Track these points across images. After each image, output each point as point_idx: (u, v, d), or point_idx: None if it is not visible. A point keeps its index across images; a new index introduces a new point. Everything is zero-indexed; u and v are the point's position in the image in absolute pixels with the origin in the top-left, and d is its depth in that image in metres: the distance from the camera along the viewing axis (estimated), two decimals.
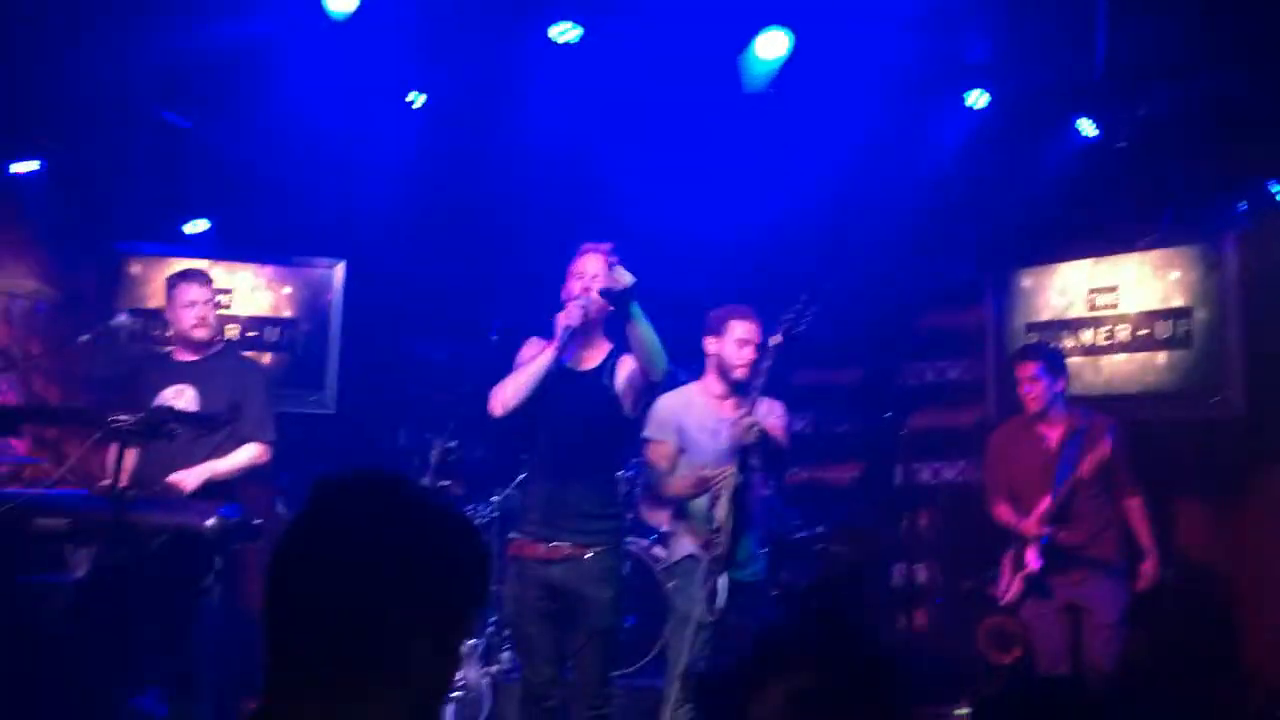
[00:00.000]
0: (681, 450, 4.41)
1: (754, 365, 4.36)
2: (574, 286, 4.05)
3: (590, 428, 4.07)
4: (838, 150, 6.43)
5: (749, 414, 4.16)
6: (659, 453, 4.40)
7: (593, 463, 4.05)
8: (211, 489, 4.51)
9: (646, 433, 4.41)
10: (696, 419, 4.43)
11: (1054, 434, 5.08)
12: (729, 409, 4.37)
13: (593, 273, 4.02)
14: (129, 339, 6.13)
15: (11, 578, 4.23)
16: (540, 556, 4.00)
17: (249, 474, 4.79)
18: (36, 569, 4.45)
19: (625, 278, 3.92)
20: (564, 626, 4.01)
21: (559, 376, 4.04)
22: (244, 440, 4.72)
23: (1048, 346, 5.69)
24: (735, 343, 4.40)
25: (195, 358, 4.87)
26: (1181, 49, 5.46)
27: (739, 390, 4.39)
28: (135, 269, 6.45)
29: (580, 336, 4.07)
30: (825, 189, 6.73)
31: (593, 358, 4.12)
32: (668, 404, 4.45)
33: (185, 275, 4.97)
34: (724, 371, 4.43)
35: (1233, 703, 5.36)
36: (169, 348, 5.07)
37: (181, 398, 4.70)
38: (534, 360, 4.01)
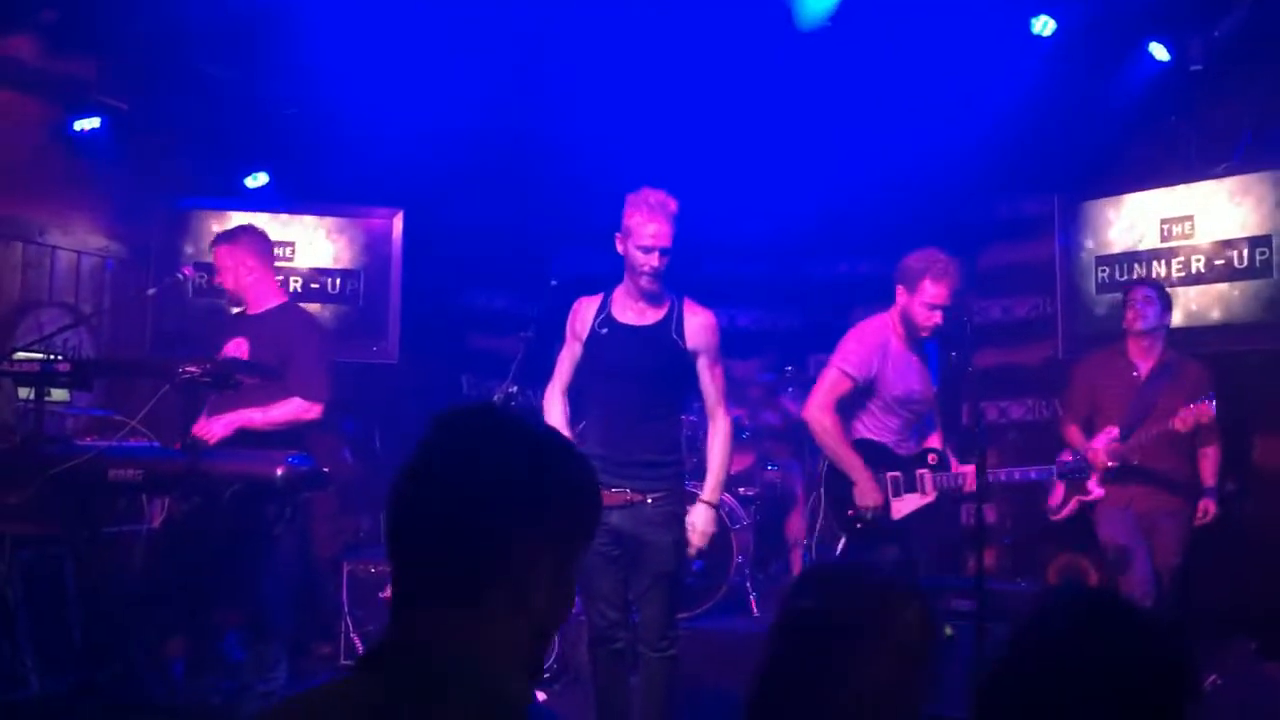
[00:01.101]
0: (868, 389, 4.55)
1: (938, 328, 4.46)
2: (635, 255, 3.97)
3: (655, 379, 4.03)
4: (899, 84, 6.28)
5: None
6: (841, 386, 4.53)
7: (654, 412, 4.02)
8: (273, 438, 4.53)
9: (840, 364, 4.55)
10: (895, 359, 4.55)
11: (1145, 365, 5.08)
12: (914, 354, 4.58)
13: (655, 245, 3.93)
14: (194, 292, 6.22)
15: (90, 528, 4.33)
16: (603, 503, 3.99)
17: (297, 428, 4.72)
18: (114, 520, 4.56)
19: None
20: (628, 570, 4.01)
21: (617, 332, 4.02)
22: (289, 394, 4.73)
23: (1160, 283, 5.62)
24: (924, 305, 4.44)
25: (254, 312, 4.92)
26: None
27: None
28: (198, 223, 6.52)
29: (646, 297, 4.03)
30: (890, 126, 6.59)
31: (655, 312, 4.06)
32: (868, 341, 4.57)
33: (216, 239, 5.03)
34: (908, 324, 4.53)
35: None
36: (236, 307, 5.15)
37: (238, 352, 4.76)
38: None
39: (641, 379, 4.01)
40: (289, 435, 4.61)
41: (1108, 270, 6.29)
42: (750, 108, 6.63)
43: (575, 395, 4.29)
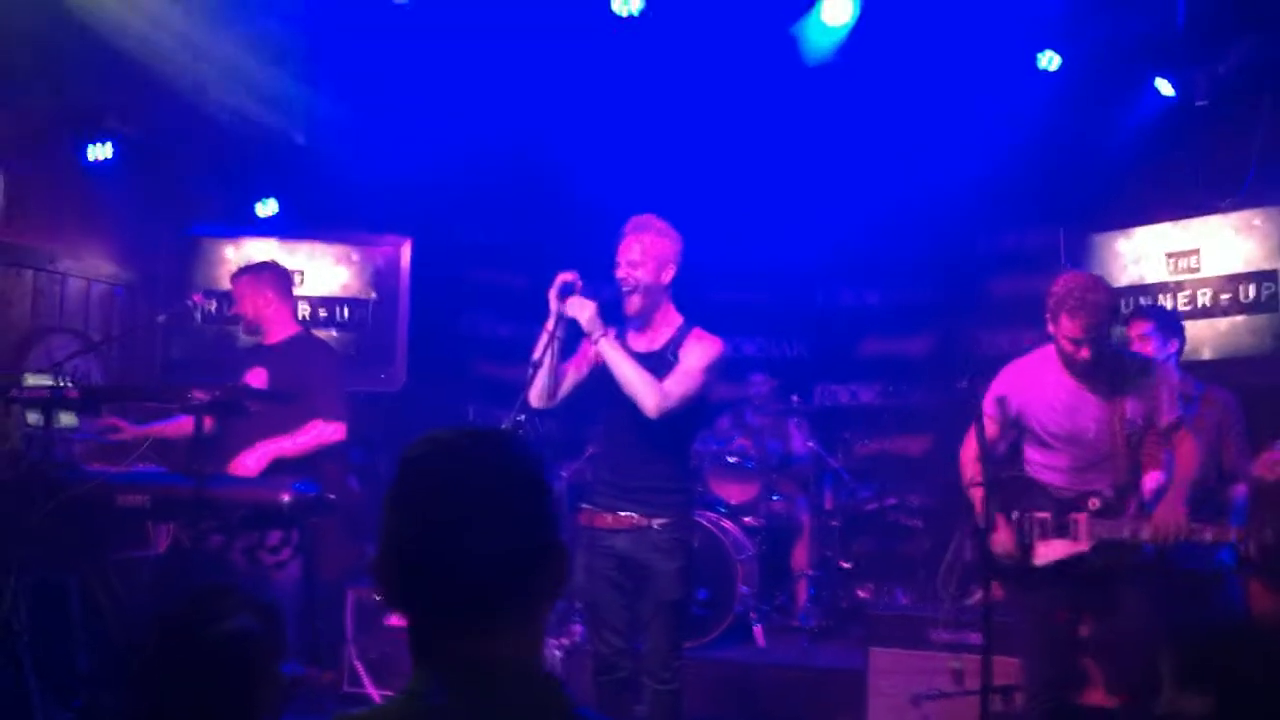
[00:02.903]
0: (1018, 426, 4.19)
1: (1090, 362, 3.99)
2: (617, 274, 4.01)
3: None
4: (907, 117, 6.34)
5: None
6: (986, 430, 4.14)
7: (659, 439, 3.98)
8: (284, 467, 4.58)
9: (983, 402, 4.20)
10: (1046, 394, 4.15)
11: None
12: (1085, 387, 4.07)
13: (626, 259, 3.98)
14: (203, 320, 6.25)
15: (97, 554, 4.34)
16: (608, 526, 3.99)
17: (323, 451, 4.84)
18: (121, 546, 4.57)
19: (578, 311, 3.85)
20: (633, 597, 3.99)
21: None
22: (308, 418, 4.78)
23: (1163, 308, 5.58)
24: (1065, 339, 4.01)
25: (271, 341, 5.00)
26: (1261, 3, 5.28)
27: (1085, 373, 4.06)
28: (208, 251, 6.56)
29: (636, 321, 4.05)
30: (897, 157, 6.64)
31: (656, 338, 4.06)
32: (1008, 373, 4.27)
33: (240, 270, 5.15)
34: (1065, 357, 4.08)
35: None
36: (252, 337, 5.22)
37: (257, 382, 4.82)
38: (541, 359, 3.98)
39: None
40: (312, 460, 4.67)
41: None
42: (759, 138, 6.68)
43: (589, 421, 4.30)
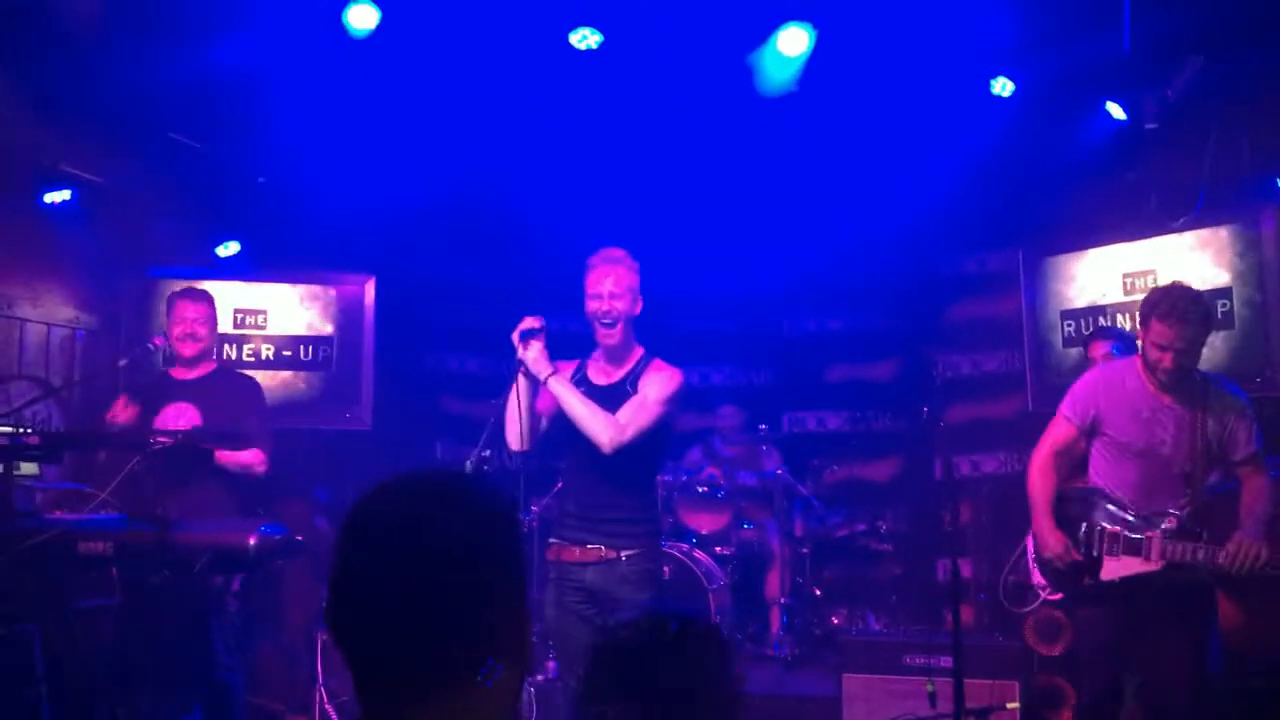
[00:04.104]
0: (1094, 431, 4.17)
1: (1172, 373, 3.98)
2: (589, 304, 4.04)
3: None
4: (866, 146, 6.41)
5: None
6: (1059, 430, 4.24)
7: (624, 473, 3.99)
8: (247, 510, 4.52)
9: (1062, 406, 4.24)
10: (1126, 402, 4.12)
11: None
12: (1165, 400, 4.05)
13: (603, 292, 4.00)
14: (164, 361, 6.19)
15: (60, 604, 4.26)
16: (575, 559, 4.00)
17: (244, 479, 4.83)
18: (83, 594, 4.49)
19: (524, 353, 3.89)
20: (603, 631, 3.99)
21: (588, 393, 4.02)
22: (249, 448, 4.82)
23: (1122, 329, 5.65)
24: (1153, 345, 3.98)
25: (193, 376, 4.97)
26: (1207, 26, 5.39)
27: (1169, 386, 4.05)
28: (169, 293, 6.50)
29: (608, 354, 4.09)
30: (857, 184, 6.71)
31: (617, 370, 4.10)
32: (1091, 378, 4.28)
33: (181, 293, 5.16)
34: (1149, 366, 4.07)
35: None
36: (169, 367, 5.16)
37: (183, 417, 4.77)
38: (511, 399, 4.00)
39: None
40: (238, 493, 4.61)
41: (1073, 324, 6.38)
42: (721, 169, 6.73)
43: (557, 456, 4.31)
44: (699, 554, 6.39)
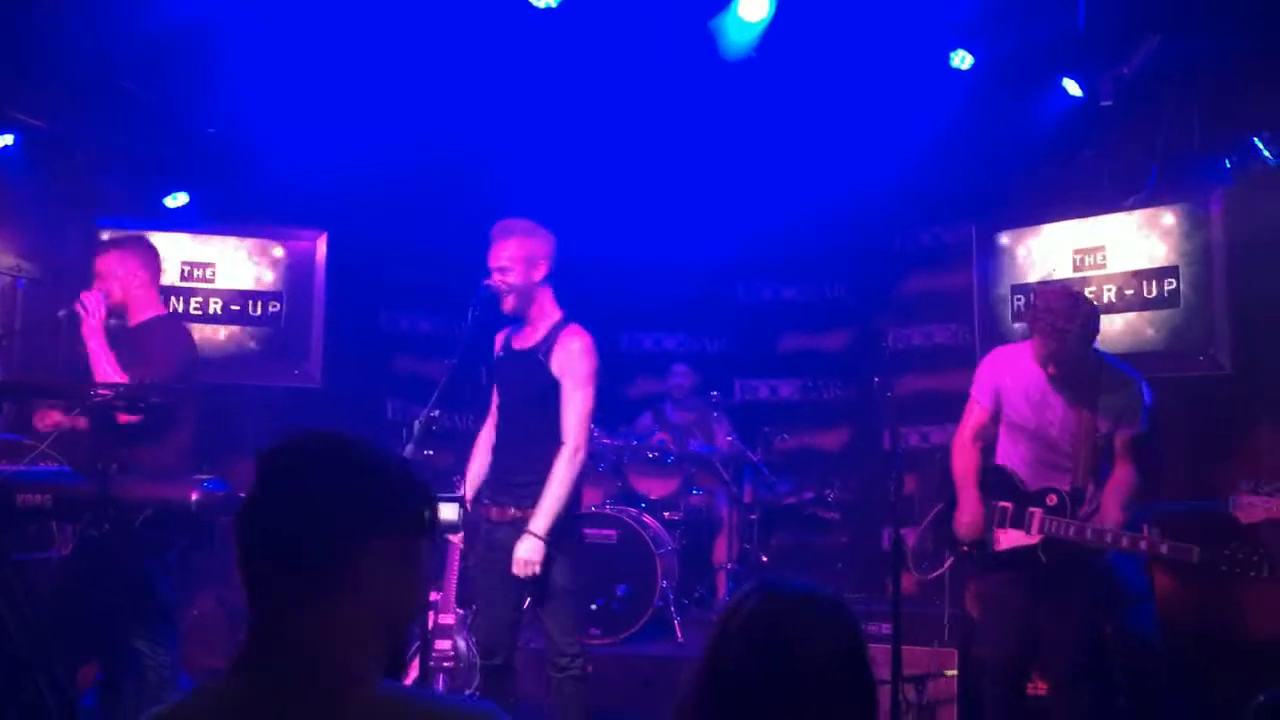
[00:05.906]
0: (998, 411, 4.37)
1: (1057, 377, 4.19)
2: (490, 279, 4.17)
3: (525, 403, 4.20)
4: (823, 114, 6.40)
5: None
6: (972, 412, 4.43)
7: (534, 433, 4.14)
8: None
9: (972, 387, 4.45)
10: (1021, 383, 4.32)
11: None
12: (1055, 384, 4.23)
13: (494, 265, 4.15)
14: (108, 314, 6.07)
15: None
16: (493, 519, 4.20)
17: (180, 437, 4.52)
18: (22, 547, 4.43)
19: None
20: (519, 588, 4.12)
21: (507, 357, 4.27)
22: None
23: None
24: (1038, 352, 4.22)
25: (132, 324, 4.64)
26: (1164, 5, 5.42)
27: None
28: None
29: (517, 320, 4.25)
30: (815, 153, 6.70)
31: (532, 336, 4.23)
32: (991, 360, 4.47)
33: (105, 244, 4.95)
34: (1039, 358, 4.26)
35: (1220, 659, 5.39)
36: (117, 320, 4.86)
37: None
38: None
39: (517, 402, 4.24)
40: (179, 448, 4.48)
41: (1023, 298, 6.43)
42: (679, 133, 6.70)
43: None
44: (648, 519, 6.43)
